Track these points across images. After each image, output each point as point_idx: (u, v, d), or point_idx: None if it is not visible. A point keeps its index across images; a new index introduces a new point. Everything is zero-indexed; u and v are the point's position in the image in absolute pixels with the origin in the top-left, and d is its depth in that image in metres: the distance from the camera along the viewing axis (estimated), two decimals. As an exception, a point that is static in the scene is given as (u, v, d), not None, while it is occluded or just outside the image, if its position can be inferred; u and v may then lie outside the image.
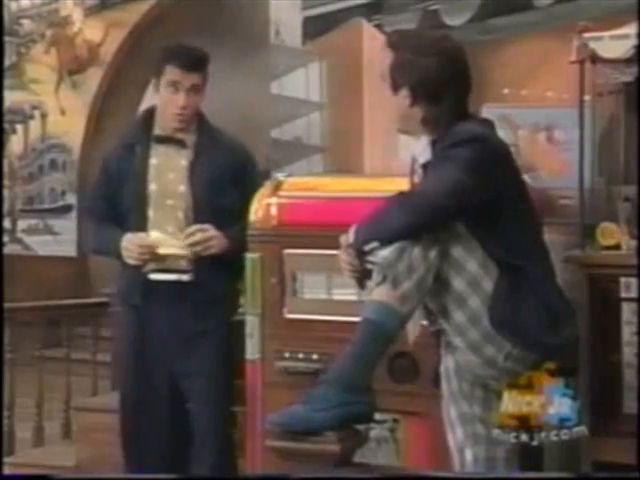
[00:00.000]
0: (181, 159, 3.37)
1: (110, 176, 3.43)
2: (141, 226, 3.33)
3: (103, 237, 3.44)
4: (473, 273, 2.43)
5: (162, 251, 3.28)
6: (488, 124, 2.62)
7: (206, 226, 3.28)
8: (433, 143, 2.53)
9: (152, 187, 3.35)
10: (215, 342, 3.32)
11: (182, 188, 3.35)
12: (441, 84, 2.54)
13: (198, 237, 3.26)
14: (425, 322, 2.61)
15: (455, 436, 2.57)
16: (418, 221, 2.40)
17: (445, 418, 2.60)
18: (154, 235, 3.28)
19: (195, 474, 3.29)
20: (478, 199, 2.43)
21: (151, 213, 3.34)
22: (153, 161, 3.37)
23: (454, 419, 2.56)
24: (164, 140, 3.38)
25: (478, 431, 2.52)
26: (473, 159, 2.43)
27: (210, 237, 3.27)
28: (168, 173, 3.36)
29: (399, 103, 2.56)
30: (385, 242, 2.40)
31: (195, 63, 3.35)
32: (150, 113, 3.45)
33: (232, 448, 3.36)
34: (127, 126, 3.56)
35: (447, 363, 2.57)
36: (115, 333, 4.54)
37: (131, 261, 3.30)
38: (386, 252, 2.40)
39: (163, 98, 3.35)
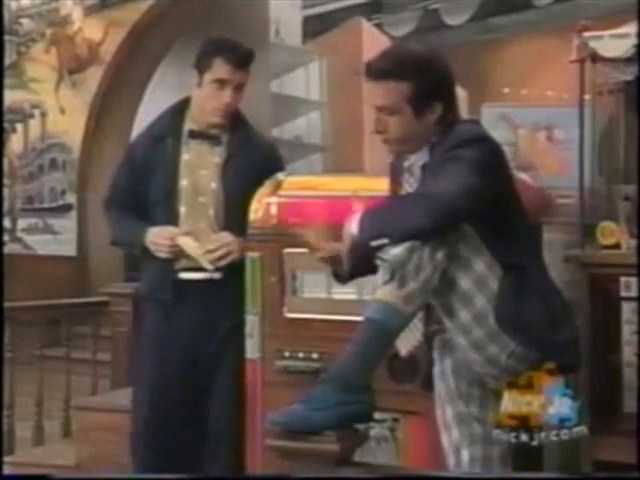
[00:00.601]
0: (214, 156, 3.34)
1: (136, 167, 3.39)
2: (171, 221, 3.30)
3: (125, 229, 3.41)
4: (480, 272, 2.44)
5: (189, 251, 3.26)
6: (479, 124, 2.65)
7: (227, 237, 3.25)
8: (431, 146, 2.53)
9: (183, 183, 3.32)
10: (242, 341, 3.30)
11: (214, 185, 3.32)
12: (454, 89, 2.58)
13: (219, 253, 3.23)
14: (420, 323, 2.61)
15: (451, 436, 2.57)
16: (434, 223, 2.38)
17: (439, 419, 2.60)
18: (182, 240, 3.25)
19: (201, 473, 3.28)
20: (484, 199, 2.43)
21: (182, 209, 3.32)
22: (185, 156, 3.33)
23: (450, 419, 2.56)
24: (198, 135, 3.34)
25: (475, 431, 2.53)
26: (480, 159, 2.44)
27: (231, 251, 3.24)
28: (200, 169, 3.33)
29: (424, 124, 2.53)
30: (396, 240, 2.38)
31: (245, 61, 3.29)
32: (182, 106, 3.39)
33: (242, 447, 3.35)
34: (157, 117, 3.49)
35: (444, 363, 2.57)
36: (121, 330, 4.57)
37: (162, 255, 3.27)
38: (397, 250, 2.38)
39: (206, 93, 3.28)
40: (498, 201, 2.47)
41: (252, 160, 3.33)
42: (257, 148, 3.38)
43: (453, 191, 2.39)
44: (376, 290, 2.45)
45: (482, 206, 2.42)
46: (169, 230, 3.27)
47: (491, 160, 2.48)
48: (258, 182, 3.29)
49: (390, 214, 2.45)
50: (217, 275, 3.28)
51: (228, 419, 3.30)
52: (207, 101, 3.30)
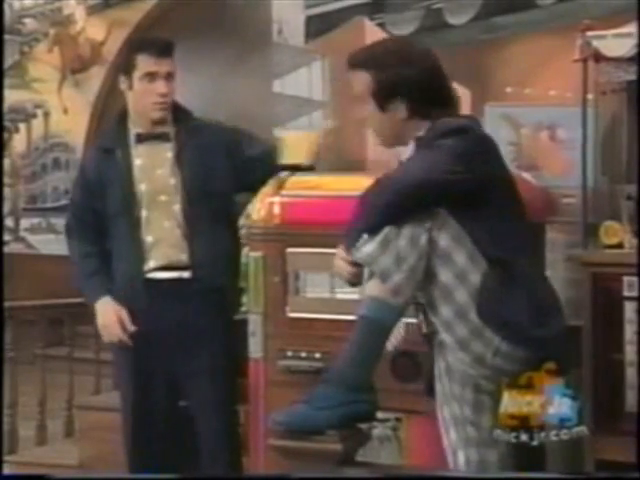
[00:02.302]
0: (166, 152, 3.34)
1: (89, 184, 3.39)
2: (133, 228, 3.30)
3: (84, 279, 3.40)
4: (460, 265, 2.42)
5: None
6: (473, 119, 2.64)
7: None
8: (417, 140, 2.53)
9: (141, 187, 3.32)
10: (217, 340, 3.30)
11: (172, 181, 3.32)
12: (432, 88, 2.54)
13: None
14: (416, 321, 2.60)
15: (449, 437, 2.56)
16: (397, 199, 2.38)
17: (439, 418, 2.59)
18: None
19: (197, 473, 3.29)
20: (460, 186, 2.41)
21: (144, 213, 3.31)
22: (137, 162, 3.33)
23: (447, 420, 2.56)
24: (145, 138, 3.34)
25: (470, 434, 2.51)
26: (456, 147, 2.44)
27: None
28: (155, 170, 3.34)
29: (391, 119, 2.54)
30: (374, 230, 2.38)
31: (166, 49, 3.33)
32: (123, 114, 3.40)
33: (238, 447, 3.35)
34: (103, 130, 3.56)
35: (439, 364, 2.57)
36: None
37: (113, 339, 3.33)
38: (369, 248, 2.38)
39: (139, 91, 3.30)
40: (483, 193, 2.44)
41: (205, 144, 3.32)
42: (208, 131, 3.38)
43: (416, 168, 2.41)
44: (365, 287, 2.46)
45: (459, 192, 2.40)
46: (114, 311, 3.30)
47: (468, 148, 2.45)
48: (218, 163, 3.31)
49: (361, 209, 2.45)
50: (186, 274, 3.29)
51: (213, 420, 3.30)
52: (142, 98, 3.30)
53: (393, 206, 2.39)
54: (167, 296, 3.28)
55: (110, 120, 3.58)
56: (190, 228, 3.30)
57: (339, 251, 2.47)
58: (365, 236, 2.39)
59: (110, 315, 3.31)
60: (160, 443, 3.34)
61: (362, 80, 2.53)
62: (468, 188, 2.42)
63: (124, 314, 3.29)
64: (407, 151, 2.56)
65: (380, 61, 2.53)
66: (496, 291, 2.41)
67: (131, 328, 3.29)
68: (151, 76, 3.28)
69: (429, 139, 2.48)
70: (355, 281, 2.49)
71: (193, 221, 3.30)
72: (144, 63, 3.28)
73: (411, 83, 2.52)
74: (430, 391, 2.62)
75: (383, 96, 2.52)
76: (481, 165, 2.46)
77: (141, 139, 3.35)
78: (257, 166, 3.33)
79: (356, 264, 2.44)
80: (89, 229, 3.40)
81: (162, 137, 3.34)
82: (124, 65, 3.35)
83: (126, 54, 3.38)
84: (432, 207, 2.41)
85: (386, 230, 2.38)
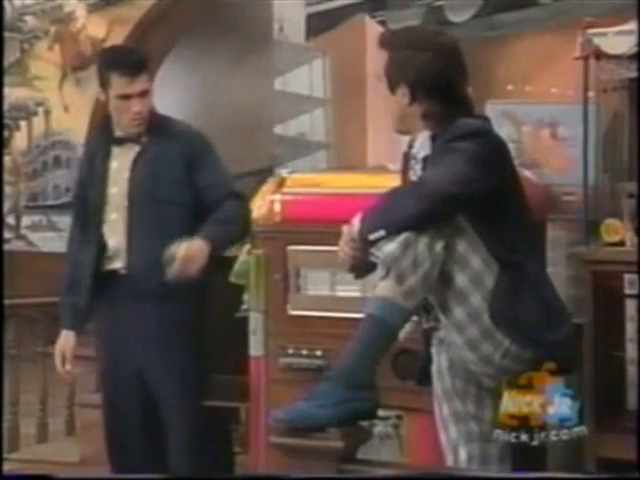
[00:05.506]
0: (132, 155, 3.36)
1: (81, 181, 3.48)
2: (98, 231, 3.35)
3: (61, 303, 3.62)
4: (476, 269, 2.43)
5: None
6: (486, 120, 2.65)
7: (185, 247, 3.15)
8: (433, 138, 2.54)
9: (113, 190, 3.35)
10: (179, 336, 3.31)
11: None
12: (439, 78, 2.55)
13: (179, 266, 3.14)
14: (417, 319, 2.60)
15: (448, 434, 2.57)
16: (427, 209, 2.39)
17: (437, 416, 2.60)
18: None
19: (194, 473, 3.30)
20: (482, 192, 2.44)
21: (113, 216, 3.34)
22: (114, 164, 3.37)
23: (447, 417, 2.57)
24: (122, 141, 3.37)
25: (472, 429, 2.53)
26: (477, 152, 2.45)
27: (191, 256, 3.15)
28: (123, 173, 3.36)
29: (397, 102, 2.57)
30: (392, 231, 2.38)
31: (139, 67, 3.31)
32: (108, 118, 3.43)
33: (229, 444, 3.35)
34: (90, 132, 3.63)
35: (440, 361, 2.57)
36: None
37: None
38: (391, 247, 2.39)
39: (115, 108, 3.33)
40: (497, 197, 2.47)
41: (165, 153, 3.32)
42: (173, 140, 3.36)
43: (447, 178, 2.41)
44: (376, 286, 2.45)
45: (477, 198, 2.43)
46: (60, 347, 3.42)
47: (487, 154, 2.48)
48: (177, 174, 3.30)
49: (386, 206, 2.46)
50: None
51: (177, 417, 3.32)
52: (118, 114, 3.34)
53: (421, 217, 2.39)
54: (130, 295, 3.31)
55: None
56: (130, 233, 3.31)
57: (346, 233, 2.46)
58: (382, 231, 2.39)
59: (57, 348, 3.44)
60: (139, 443, 3.37)
61: (379, 58, 2.57)
62: (487, 195, 2.44)
63: (68, 353, 3.41)
64: (419, 144, 2.58)
65: (397, 43, 2.57)
66: (508, 294, 2.43)
67: (68, 367, 3.42)
68: (125, 97, 3.28)
69: (448, 140, 2.48)
70: (356, 266, 2.49)
71: (134, 226, 3.31)
72: (117, 84, 3.29)
73: (416, 68, 2.54)
74: (423, 382, 2.64)
75: (392, 76, 2.56)
76: (499, 170, 2.50)
77: (118, 142, 3.37)
78: (210, 192, 3.31)
79: (362, 249, 2.43)
80: (81, 217, 3.47)
81: (135, 141, 3.36)
82: (99, 78, 3.35)
83: (100, 69, 3.37)
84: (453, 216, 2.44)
85: (407, 232, 2.39)
